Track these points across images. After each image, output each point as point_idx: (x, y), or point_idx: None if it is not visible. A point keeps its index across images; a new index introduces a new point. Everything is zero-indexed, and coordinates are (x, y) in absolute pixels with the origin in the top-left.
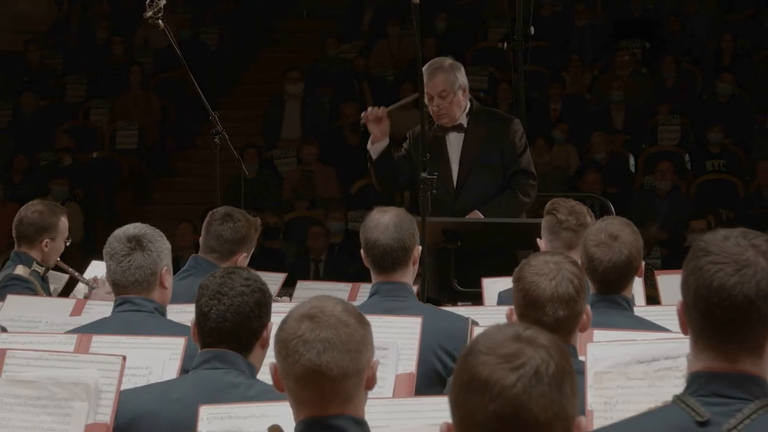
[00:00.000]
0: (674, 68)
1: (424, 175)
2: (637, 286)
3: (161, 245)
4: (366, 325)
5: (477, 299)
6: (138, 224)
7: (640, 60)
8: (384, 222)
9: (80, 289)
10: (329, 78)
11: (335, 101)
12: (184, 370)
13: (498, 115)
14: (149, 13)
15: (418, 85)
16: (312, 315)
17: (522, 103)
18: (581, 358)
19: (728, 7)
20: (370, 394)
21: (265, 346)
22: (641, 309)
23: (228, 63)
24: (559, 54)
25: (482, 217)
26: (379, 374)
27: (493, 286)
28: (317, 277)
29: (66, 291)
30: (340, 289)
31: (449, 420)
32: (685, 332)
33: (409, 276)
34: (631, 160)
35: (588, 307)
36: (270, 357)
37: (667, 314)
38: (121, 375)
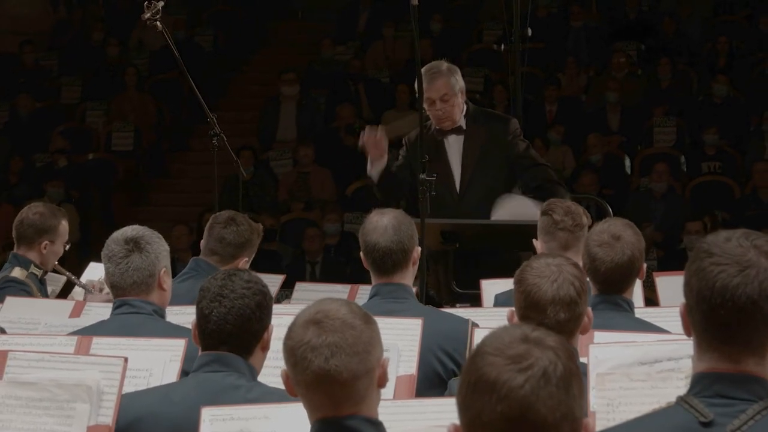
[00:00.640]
0: (670, 70)
1: (422, 176)
2: (636, 288)
3: (159, 247)
4: (372, 324)
5: (476, 301)
6: (136, 226)
7: (636, 62)
8: (383, 224)
9: (78, 291)
10: (324, 79)
11: (331, 103)
12: (184, 372)
13: (495, 116)
14: (147, 15)
15: (417, 86)
16: (317, 320)
17: (519, 104)
18: (582, 359)
19: (723, 9)
20: None
21: (265, 348)
22: (640, 311)
23: (223, 65)
24: (554, 56)
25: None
26: None
27: (492, 287)
28: (313, 279)
29: (64, 293)
30: (338, 291)
31: (455, 421)
32: (688, 334)
33: (408, 277)
34: (627, 162)
35: (589, 309)
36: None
37: (666, 315)
38: (123, 376)
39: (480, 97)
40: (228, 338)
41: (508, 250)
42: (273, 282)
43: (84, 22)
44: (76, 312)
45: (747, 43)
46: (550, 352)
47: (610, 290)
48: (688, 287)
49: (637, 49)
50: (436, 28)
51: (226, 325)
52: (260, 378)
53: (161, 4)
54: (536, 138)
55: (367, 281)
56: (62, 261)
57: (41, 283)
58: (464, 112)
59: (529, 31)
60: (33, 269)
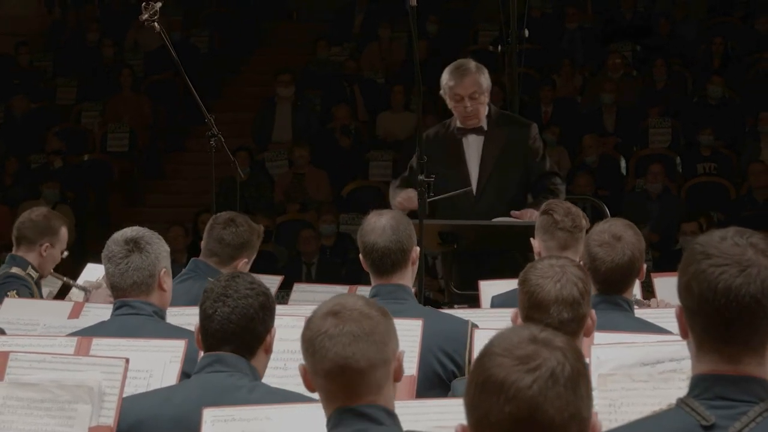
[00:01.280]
0: (665, 71)
1: (421, 177)
2: (635, 288)
3: (159, 247)
4: (388, 317)
5: (474, 302)
6: (136, 227)
7: (631, 63)
8: (381, 225)
9: (75, 292)
10: (320, 80)
11: (326, 104)
12: (184, 373)
13: (517, 120)
14: (145, 16)
15: (415, 87)
16: (335, 311)
17: (516, 105)
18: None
19: (718, 10)
20: None
21: (268, 351)
22: (638, 311)
23: (219, 65)
24: (549, 57)
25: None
26: None
27: (490, 288)
28: (309, 280)
29: (61, 295)
30: (337, 292)
31: (459, 422)
32: (684, 336)
33: (408, 278)
34: (623, 163)
35: (593, 312)
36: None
37: (665, 316)
38: (124, 377)
39: None
40: (231, 338)
41: (508, 250)
42: (271, 283)
43: (79, 23)
44: (75, 313)
45: (742, 44)
46: (558, 352)
47: (611, 290)
48: (686, 290)
49: (633, 50)
50: (432, 29)
51: (229, 324)
52: (268, 380)
53: (159, 4)
54: None
55: (364, 282)
56: (58, 264)
57: (37, 286)
58: (486, 113)
59: (526, 32)
60: (30, 271)
